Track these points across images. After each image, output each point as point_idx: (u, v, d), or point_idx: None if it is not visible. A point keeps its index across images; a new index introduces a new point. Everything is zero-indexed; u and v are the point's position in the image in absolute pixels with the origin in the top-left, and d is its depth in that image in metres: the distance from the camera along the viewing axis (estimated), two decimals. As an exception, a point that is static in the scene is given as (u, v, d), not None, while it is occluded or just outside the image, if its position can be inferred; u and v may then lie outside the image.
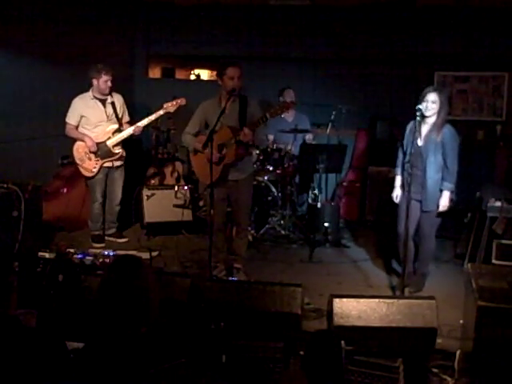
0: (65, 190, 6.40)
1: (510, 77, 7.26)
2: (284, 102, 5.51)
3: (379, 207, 7.00)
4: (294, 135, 6.59)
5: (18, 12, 5.90)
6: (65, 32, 6.55)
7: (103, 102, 5.83)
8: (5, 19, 5.74)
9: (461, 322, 3.83)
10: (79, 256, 4.77)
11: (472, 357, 3.34)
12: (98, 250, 5.24)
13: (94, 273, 4.22)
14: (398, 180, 4.83)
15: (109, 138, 5.83)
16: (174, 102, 5.80)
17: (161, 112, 5.83)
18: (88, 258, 4.76)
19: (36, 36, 6.14)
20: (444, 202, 4.59)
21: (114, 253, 4.99)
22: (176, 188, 6.52)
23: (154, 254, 5.42)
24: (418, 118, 4.45)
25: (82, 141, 5.76)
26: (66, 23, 6.59)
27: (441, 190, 4.59)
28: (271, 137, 6.60)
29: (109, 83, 5.72)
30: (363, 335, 3.48)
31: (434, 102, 4.52)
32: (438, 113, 4.55)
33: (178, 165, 7.21)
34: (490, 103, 7.35)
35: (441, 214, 4.68)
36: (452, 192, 4.60)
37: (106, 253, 4.98)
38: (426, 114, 4.53)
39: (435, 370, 3.58)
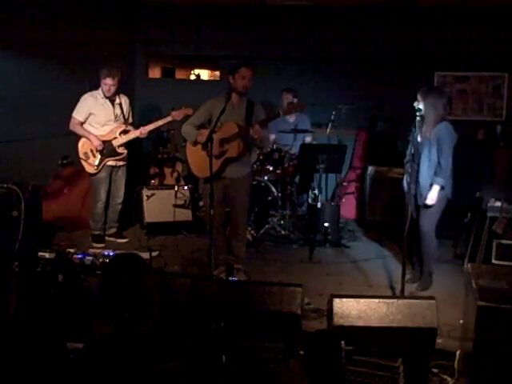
0: (65, 190, 6.41)
1: (510, 77, 7.27)
2: (298, 102, 5.72)
3: (379, 207, 7.00)
4: (294, 135, 6.60)
5: (18, 12, 5.91)
6: (65, 32, 6.55)
7: (112, 102, 5.88)
8: (5, 19, 5.75)
9: (461, 321, 3.83)
10: (79, 256, 4.77)
11: (472, 357, 3.33)
12: (98, 250, 5.24)
13: (93, 273, 4.22)
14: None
15: (115, 137, 5.87)
16: (181, 111, 5.84)
17: (168, 119, 5.90)
18: (88, 257, 4.76)
19: (36, 36, 6.14)
20: (432, 195, 4.62)
21: (114, 253, 4.99)
22: (176, 188, 6.52)
23: (154, 254, 5.42)
24: (417, 118, 4.52)
25: (87, 138, 5.80)
26: (66, 23, 6.60)
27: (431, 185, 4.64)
28: (273, 136, 6.60)
29: (111, 88, 5.77)
30: (363, 335, 3.48)
31: (418, 102, 4.63)
32: (427, 112, 4.61)
33: (178, 165, 7.22)
34: (489, 103, 7.36)
35: (436, 211, 4.70)
36: (442, 187, 4.62)
37: (106, 253, 4.98)
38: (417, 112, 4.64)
39: (435, 370, 3.58)
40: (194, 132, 4.86)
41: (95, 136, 5.80)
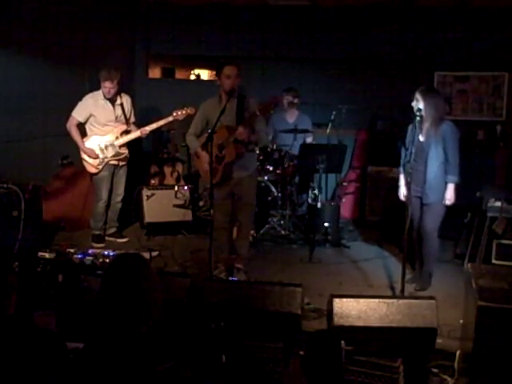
0: (65, 190, 6.40)
1: (510, 77, 7.26)
2: (271, 97, 5.06)
3: (379, 207, 7.00)
4: (294, 135, 6.59)
5: (18, 12, 5.90)
6: (65, 32, 6.54)
7: (113, 102, 5.88)
8: (5, 19, 5.74)
9: (461, 321, 3.83)
10: (79, 256, 4.77)
11: (472, 357, 3.34)
12: (98, 250, 5.24)
13: (94, 273, 4.23)
14: (402, 178, 4.88)
15: (116, 137, 5.88)
16: (184, 111, 5.83)
17: (170, 119, 5.90)
18: (88, 257, 4.77)
19: (36, 36, 6.14)
20: (449, 195, 4.65)
21: (114, 253, 4.99)
22: (176, 188, 6.52)
23: (154, 254, 5.42)
24: (417, 119, 4.56)
25: (78, 145, 5.83)
26: (66, 23, 6.59)
27: (446, 183, 4.65)
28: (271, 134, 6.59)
29: (110, 90, 5.77)
30: (363, 335, 3.48)
31: (417, 101, 4.64)
32: (428, 112, 4.61)
33: (178, 165, 7.22)
34: (489, 103, 7.35)
35: (441, 210, 4.71)
36: (457, 184, 4.65)
37: (106, 253, 4.98)
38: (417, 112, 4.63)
39: (435, 370, 3.58)
40: (195, 143, 4.93)
41: (85, 147, 5.81)
